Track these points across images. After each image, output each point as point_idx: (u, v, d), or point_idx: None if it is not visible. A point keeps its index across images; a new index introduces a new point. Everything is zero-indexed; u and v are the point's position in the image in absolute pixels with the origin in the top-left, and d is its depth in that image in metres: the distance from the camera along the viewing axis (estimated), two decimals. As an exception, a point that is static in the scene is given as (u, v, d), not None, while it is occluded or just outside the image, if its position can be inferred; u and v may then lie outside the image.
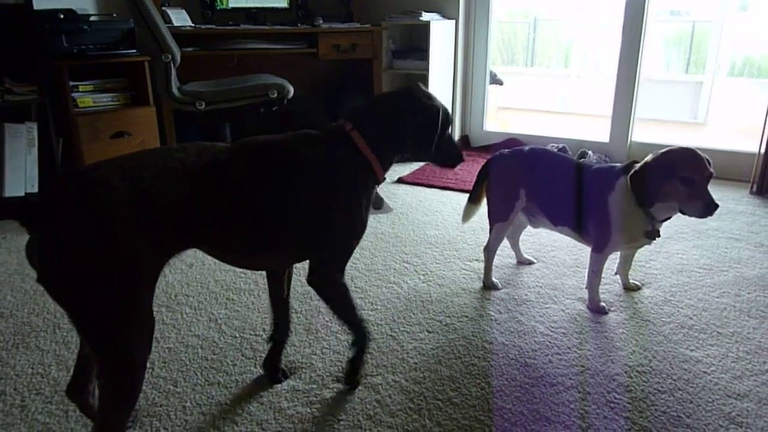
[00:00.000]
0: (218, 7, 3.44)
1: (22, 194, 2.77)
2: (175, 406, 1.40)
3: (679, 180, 1.56)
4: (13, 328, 1.74)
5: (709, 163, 1.59)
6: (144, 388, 1.46)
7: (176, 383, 1.48)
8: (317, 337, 1.69)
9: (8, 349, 1.64)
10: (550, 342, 1.67)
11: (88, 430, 1.31)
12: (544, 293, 1.96)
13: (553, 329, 1.73)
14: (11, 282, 2.04)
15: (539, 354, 1.61)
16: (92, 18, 2.87)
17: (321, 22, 3.38)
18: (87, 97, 2.89)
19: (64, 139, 2.89)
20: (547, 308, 1.86)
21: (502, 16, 5.93)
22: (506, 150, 1.95)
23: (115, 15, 3.05)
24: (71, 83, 2.83)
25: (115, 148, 2.97)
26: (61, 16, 2.74)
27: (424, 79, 3.46)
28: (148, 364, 1.55)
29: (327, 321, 1.78)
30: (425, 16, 3.38)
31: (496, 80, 4.12)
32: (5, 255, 2.27)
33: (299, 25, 3.44)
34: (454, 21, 3.66)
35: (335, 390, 1.46)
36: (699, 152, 1.59)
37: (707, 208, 1.53)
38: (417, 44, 3.73)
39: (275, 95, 2.68)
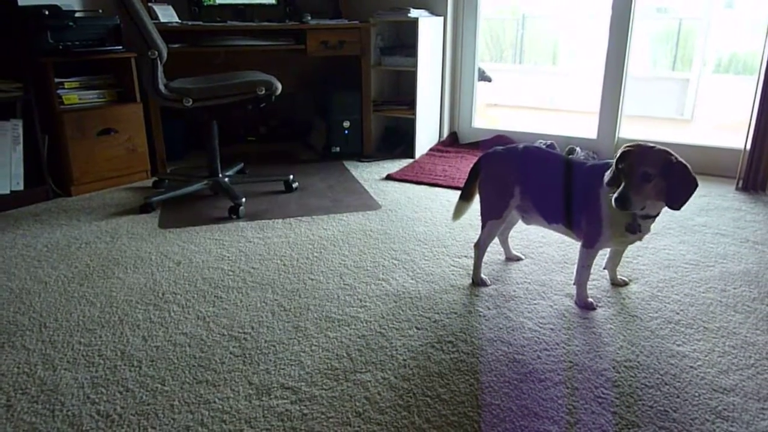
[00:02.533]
0: (205, 4, 3.42)
1: (7, 192, 2.74)
2: (163, 404, 1.39)
3: (618, 170, 1.62)
4: (-2, 328, 1.73)
5: (664, 163, 1.56)
6: (131, 386, 1.45)
7: (164, 381, 1.48)
8: (306, 334, 1.69)
9: (-7, 348, 1.62)
10: (538, 338, 1.68)
11: (74, 429, 1.31)
12: (532, 289, 1.97)
13: (541, 325, 1.74)
14: (-4, 281, 2.02)
15: (527, 350, 1.62)
16: (77, 14, 2.84)
17: (309, 18, 3.37)
18: (73, 94, 2.86)
19: (50, 136, 2.86)
20: (535, 304, 1.87)
21: (490, 12, 5.93)
22: (500, 147, 1.95)
23: (100, 11, 3.02)
24: (57, 80, 2.80)
25: (102, 146, 2.94)
26: (46, 13, 2.71)
27: (413, 75, 3.46)
28: (136, 363, 1.55)
29: (316, 318, 1.77)
30: (413, 13, 3.38)
31: (484, 77, 4.12)
32: (-10, 254, 2.24)
33: (287, 21, 3.42)
34: (442, 18, 3.66)
35: (324, 387, 1.45)
36: (650, 150, 1.58)
37: (615, 200, 1.58)
38: (405, 41, 3.73)
39: (263, 92, 2.66)
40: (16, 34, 2.67)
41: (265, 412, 1.37)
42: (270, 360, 1.57)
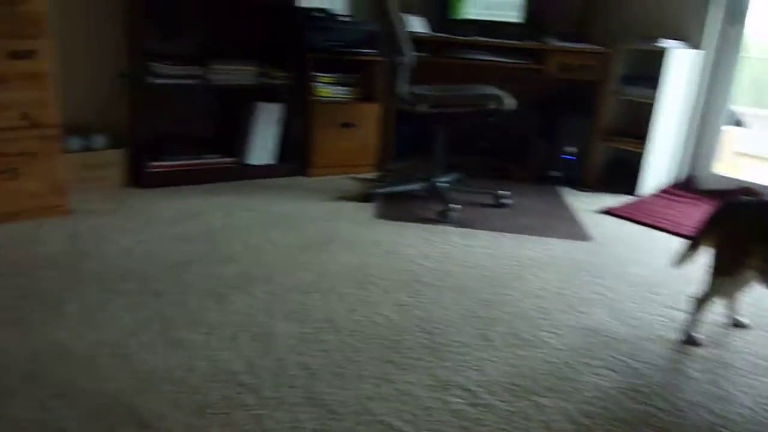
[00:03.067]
0: (454, 18, 3.59)
1: (263, 164, 3.19)
2: (353, 371, 1.52)
3: None
4: (237, 273, 2.04)
5: None
6: (330, 348, 1.61)
7: (358, 352, 1.61)
8: (492, 345, 1.70)
9: (230, 288, 1.92)
10: (752, 417, 1.47)
11: (280, 371, 1.49)
12: (755, 363, 1.72)
13: (759, 404, 1.52)
14: (239, 235, 2.38)
15: (737, 427, 1.43)
16: (341, 18, 3.20)
17: (552, 39, 3.35)
18: (327, 88, 3.24)
19: (302, 122, 3.27)
20: (755, 380, 1.63)
21: (756, 51, 5.26)
22: (748, 198, 1.75)
23: (361, 16, 3.37)
24: (314, 74, 3.19)
25: (342, 137, 3.28)
26: (318, 15, 3.11)
27: (650, 108, 3.23)
28: (337, 329, 1.71)
29: (505, 332, 1.77)
30: (664, 43, 3.16)
31: (737, 121, 3.69)
32: (226, 216, 2.65)
33: (529, 41, 3.44)
34: (696, 51, 3.36)
35: (502, 399, 1.45)
36: None
37: None
38: (650, 71, 3.49)
39: (492, 106, 2.72)
40: (291, 31, 3.11)
41: (442, 405, 1.41)
42: (454, 359, 1.61)
